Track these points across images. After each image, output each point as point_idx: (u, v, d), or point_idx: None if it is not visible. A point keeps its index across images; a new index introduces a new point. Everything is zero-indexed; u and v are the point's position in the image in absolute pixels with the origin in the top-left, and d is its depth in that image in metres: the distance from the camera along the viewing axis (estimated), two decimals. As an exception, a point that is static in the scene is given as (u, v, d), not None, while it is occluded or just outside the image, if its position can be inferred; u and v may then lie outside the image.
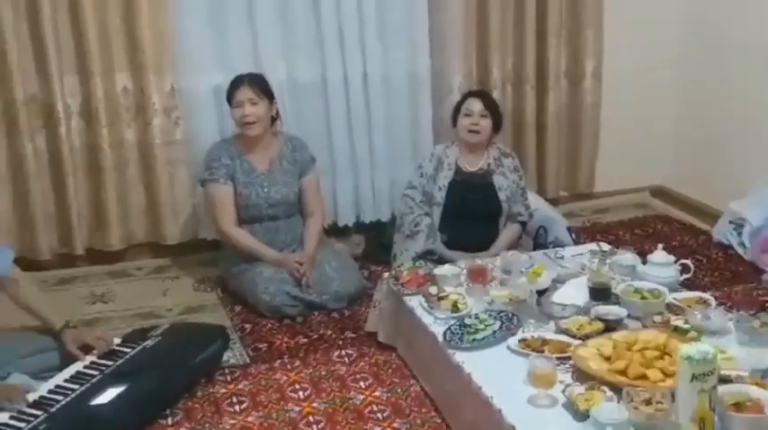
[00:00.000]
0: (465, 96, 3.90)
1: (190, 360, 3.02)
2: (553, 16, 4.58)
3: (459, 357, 2.63)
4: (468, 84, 4.43)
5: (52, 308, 3.11)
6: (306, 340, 3.39)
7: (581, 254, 3.40)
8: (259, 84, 3.75)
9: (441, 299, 3.00)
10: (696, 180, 4.80)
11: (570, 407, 2.27)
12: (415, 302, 3.05)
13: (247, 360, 3.25)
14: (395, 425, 2.76)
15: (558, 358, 2.51)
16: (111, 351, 2.98)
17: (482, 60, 4.53)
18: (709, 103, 4.66)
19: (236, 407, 2.89)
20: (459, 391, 2.60)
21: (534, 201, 4.13)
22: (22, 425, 2.53)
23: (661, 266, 3.08)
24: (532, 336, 2.69)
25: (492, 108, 3.82)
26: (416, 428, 2.73)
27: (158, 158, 4.17)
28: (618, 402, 2.19)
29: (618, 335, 2.58)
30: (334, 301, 3.63)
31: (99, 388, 2.73)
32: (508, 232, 3.82)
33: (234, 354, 3.28)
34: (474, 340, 2.71)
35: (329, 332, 3.46)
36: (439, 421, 2.76)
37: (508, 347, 2.65)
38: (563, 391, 2.34)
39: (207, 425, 2.79)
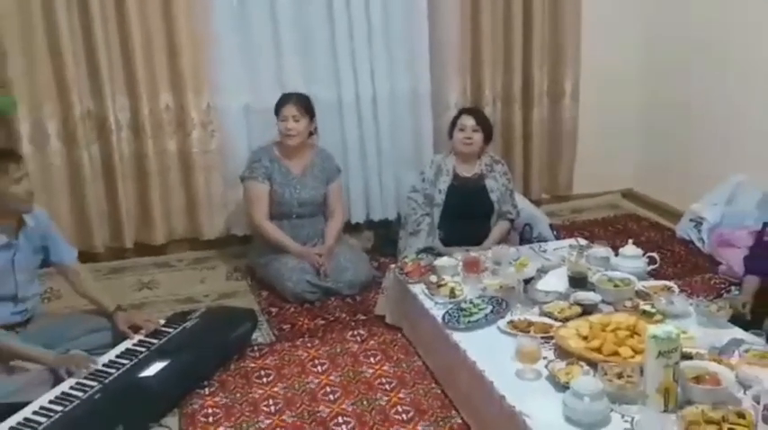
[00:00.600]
0: (460, 113, 3.88)
1: (224, 338, 3.03)
2: (537, 44, 4.58)
3: (456, 336, 2.63)
4: (463, 100, 4.42)
5: (105, 294, 3.12)
6: (323, 322, 3.39)
7: (561, 248, 3.39)
8: (304, 103, 3.76)
9: (440, 286, 2.99)
10: (661, 184, 4.78)
11: (552, 379, 2.27)
12: (417, 289, 3.05)
13: (273, 339, 3.24)
14: (400, 394, 2.75)
15: (541, 337, 2.50)
16: (156, 331, 2.99)
17: (475, 81, 4.53)
18: (669, 117, 4.64)
19: (264, 379, 2.89)
20: (456, 366, 2.60)
21: (520, 201, 4.12)
22: (80, 394, 2.54)
23: (631, 259, 3.06)
24: (519, 319, 2.68)
25: (483, 123, 3.80)
26: (419, 397, 2.73)
27: (196, 165, 4.17)
28: (594, 375, 2.19)
29: (594, 318, 2.57)
30: (347, 288, 3.63)
31: (146, 362, 2.73)
32: (499, 229, 3.80)
33: (262, 334, 3.28)
34: (469, 322, 2.70)
35: (343, 315, 3.45)
36: (438, 391, 2.75)
37: (498, 328, 2.65)
38: (546, 366, 2.34)
39: (238, 395, 2.79)
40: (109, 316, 2.99)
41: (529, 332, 2.55)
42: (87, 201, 4.03)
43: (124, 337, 2.93)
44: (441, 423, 2.57)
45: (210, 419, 2.64)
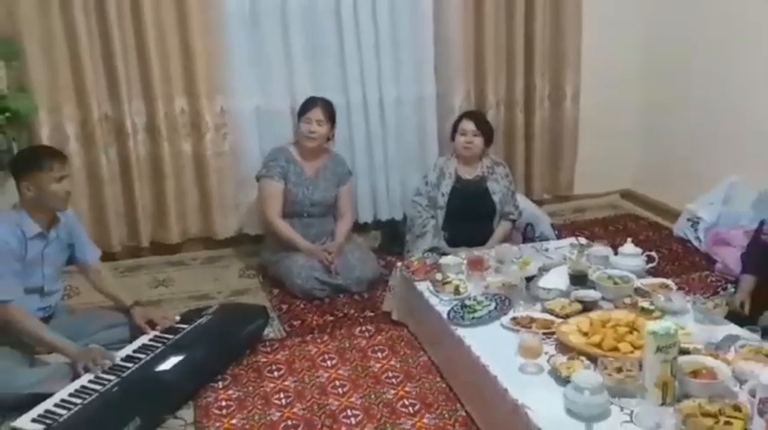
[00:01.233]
0: (460, 117, 3.87)
1: (236, 334, 3.04)
2: (538, 49, 4.57)
3: (461, 332, 2.63)
4: (467, 104, 4.42)
5: (123, 291, 3.14)
6: (332, 318, 3.39)
7: (563, 246, 3.39)
8: (329, 109, 3.77)
9: (445, 284, 3.00)
10: (659, 184, 4.77)
11: (554, 373, 2.27)
12: (423, 287, 3.05)
13: (284, 334, 3.25)
14: (407, 388, 2.75)
15: (543, 333, 2.50)
16: (171, 327, 3.00)
17: (479, 85, 4.52)
18: (667, 120, 4.64)
19: (275, 373, 2.90)
20: (461, 360, 2.60)
21: (522, 201, 4.12)
22: (98, 387, 2.56)
23: (630, 257, 3.06)
24: (522, 315, 2.68)
25: (483, 127, 3.79)
26: (425, 391, 2.73)
27: (210, 167, 4.17)
28: (594, 370, 2.19)
29: (594, 314, 2.58)
30: (355, 286, 3.63)
31: (162, 357, 2.74)
32: (501, 229, 3.80)
33: (273, 330, 3.28)
34: (473, 318, 2.71)
35: (352, 311, 3.45)
36: (443, 385, 2.76)
37: (501, 324, 2.65)
38: (548, 361, 2.34)
39: (251, 388, 2.79)
40: (126, 312, 3.01)
41: (531, 328, 2.55)
42: (105, 202, 4.05)
43: (141, 333, 2.95)
44: (446, 416, 2.57)
45: (224, 412, 2.65)
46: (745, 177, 3.99)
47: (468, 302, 2.82)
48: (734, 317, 2.63)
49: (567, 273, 2.95)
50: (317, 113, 3.71)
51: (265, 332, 3.21)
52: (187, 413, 2.64)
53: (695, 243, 4.10)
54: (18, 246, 2.71)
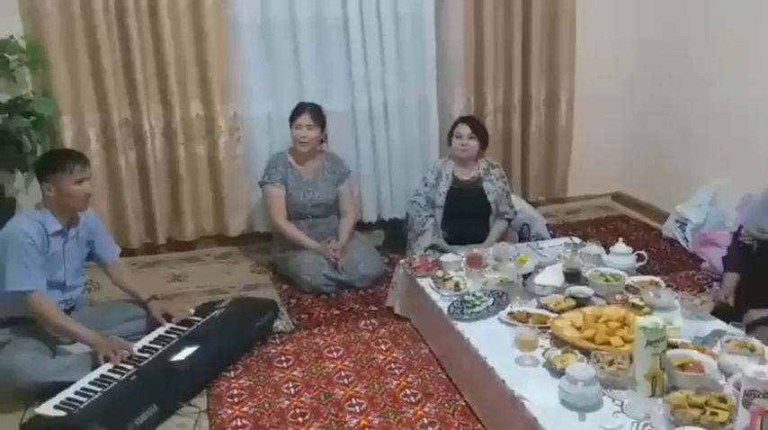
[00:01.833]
0: (456, 122, 3.87)
1: (248, 326, 3.03)
2: (535, 59, 4.57)
3: (460, 326, 2.63)
4: (467, 110, 4.41)
5: (141, 285, 3.14)
6: (338, 312, 3.39)
7: (557, 246, 3.36)
8: (317, 113, 3.76)
9: (445, 280, 2.99)
10: (648, 187, 4.75)
11: (549, 366, 2.26)
12: (425, 283, 3.04)
13: (293, 327, 3.25)
14: (409, 379, 2.75)
15: (539, 328, 2.50)
16: (186, 319, 3.00)
17: (478, 92, 4.52)
18: (656, 126, 4.62)
19: (284, 364, 2.90)
20: (460, 353, 2.59)
21: (519, 203, 4.11)
22: (117, 376, 2.56)
23: (621, 256, 3.05)
24: (518, 310, 2.67)
25: (478, 130, 3.78)
26: (426, 382, 2.73)
27: (223, 169, 4.17)
28: (587, 362, 2.19)
29: (587, 310, 2.56)
30: (360, 282, 3.62)
31: (177, 348, 2.74)
32: (497, 227, 3.79)
33: (282, 323, 3.28)
34: (472, 313, 2.70)
35: (357, 306, 3.45)
36: (444, 376, 2.75)
37: (499, 319, 2.65)
38: (543, 354, 2.34)
39: (261, 378, 2.80)
40: (144, 305, 3.01)
41: (527, 322, 2.54)
42: (124, 201, 4.05)
43: (158, 325, 2.95)
44: (446, 405, 2.56)
45: (236, 400, 2.65)
46: (731, 181, 3.97)
47: (467, 298, 2.82)
48: (720, 313, 2.61)
49: (562, 270, 2.94)
50: (305, 118, 3.71)
51: (275, 325, 3.21)
52: (201, 401, 2.64)
53: (683, 243, 4.09)
54: (40, 241, 2.71)
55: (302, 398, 2.64)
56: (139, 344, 2.79)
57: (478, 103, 4.53)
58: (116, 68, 3.88)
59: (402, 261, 3.33)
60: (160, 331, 2.91)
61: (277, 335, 3.14)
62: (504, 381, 2.22)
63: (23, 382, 2.57)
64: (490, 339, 2.49)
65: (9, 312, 2.75)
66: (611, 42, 4.67)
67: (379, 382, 2.73)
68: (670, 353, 2.12)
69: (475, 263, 3.08)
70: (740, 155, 3.93)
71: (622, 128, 4.86)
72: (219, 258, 4.21)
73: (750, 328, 2.48)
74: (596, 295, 2.77)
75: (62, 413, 2.35)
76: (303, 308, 3.45)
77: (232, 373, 2.82)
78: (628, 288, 2.81)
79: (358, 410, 2.56)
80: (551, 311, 2.64)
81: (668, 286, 2.94)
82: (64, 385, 2.51)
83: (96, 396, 2.43)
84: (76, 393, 2.46)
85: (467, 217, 3.73)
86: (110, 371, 2.59)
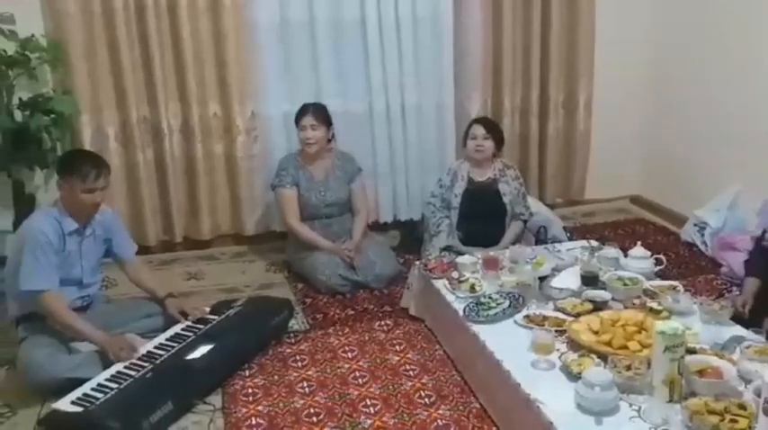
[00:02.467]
0: (471, 123, 3.86)
1: (263, 325, 3.04)
2: (554, 60, 4.54)
3: (476, 328, 2.62)
4: (484, 112, 4.39)
5: (158, 282, 3.15)
6: (353, 312, 3.39)
7: (574, 248, 3.34)
8: (321, 113, 3.76)
9: (461, 282, 2.98)
10: (667, 191, 4.71)
11: (565, 370, 2.25)
12: (440, 284, 3.04)
13: (308, 327, 3.25)
14: (423, 380, 2.74)
15: (555, 331, 2.49)
16: (202, 317, 3.01)
17: (496, 94, 4.50)
18: (675, 129, 4.58)
19: (299, 364, 2.90)
20: (475, 355, 2.58)
21: (536, 205, 4.09)
22: (133, 373, 2.58)
23: (639, 259, 3.03)
24: (535, 313, 2.66)
25: (493, 131, 3.77)
26: (440, 383, 2.72)
27: (240, 167, 4.19)
28: (604, 367, 2.17)
29: (604, 314, 2.55)
30: (375, 282, 3.62)
31: (193, 346, 2.76)
32: (513, 229, 3.77)
33: (297, 322, 3.28)
34: (488, 315, 2.69)
35: (372, 306, 3.45)
36: (458, 378, 2.74)
37: (515, 321, 2.64)
38: (559, 358, 2.33)
39: (276, 377, 2.80)
40: (160, 302, 3.03)
41: (543, 326, 2.54)
42: (142, 199, 4.07)
43: (174, 322, 2.96)
44: (460, 407, 2.55)
45: (250, 398, 2.65)
46: (750, 185, 3.92)
47: (483, 300, 2.81)
48: (739, 318, 2.59)
49: (579, 273, 2.92)
50: (309, 119, 3.71)
51: (290, 324, 3.21)
52: (216, 399, 2.65)
53: (702, 247, 4.05)
54: (57, 239, 2.73)
55: (316, 398, 2.65)
56: (155, 342, 2.80)
57: (496, 104, 4.51)
58: (135, 67, 3.91)
59: (417, 262, 3.33)
60: (176, 329, 2.92)
61: (292, 335, 3.14)
62: (519, 385, 2.20)
63: (40, 378, 2.60)
64: (506, 342, 2.48)
65: (26, 309, 2.78)
66: (629, 46, 4.64)
67: (393, 383, 2.73)
68: (688, 358, 2.10)
69: (491, 265, 3.06)
70: (759, 159, 3.87)
71: (641, 131, 4.83)
72: (235, 257, 4.22)
73: (771, 334, 2.45)
74: (614, 299, 2.75)
75: (79, 409, 2.38)
76: (318, 307, 3.45)
77: (247, 372, 2.83)
78: (646, 292, 2.79)
79: (372, 411, 2.55)
80: (568, 315, 2.63)
81: (687, 290, 2.90)
82: (78, 381, 2.53)
83: (112, 392, 2.45)
84: (93, 389, 2.48)
85: (482, 218, 3.72)
86: (126, 367, 2.61)
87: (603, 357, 2.24)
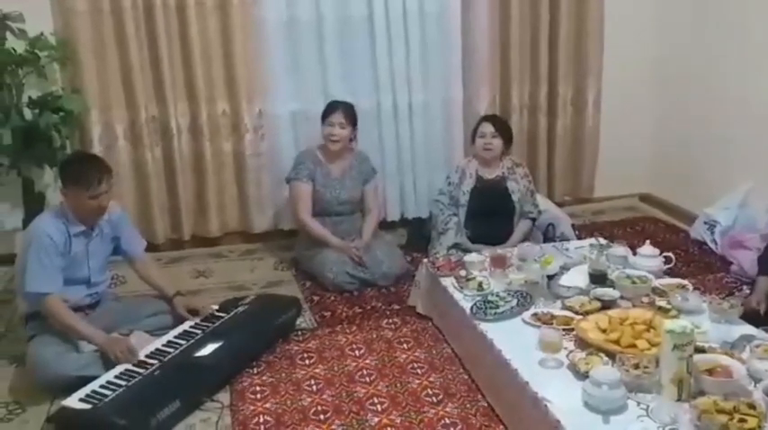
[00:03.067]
0: (480, 121, 3.85)
1: (271, 323, 3.04)
2: (562, 57, 4.52)
3: (484, 327, 2.61)
4: (493, 109, 4.37)
5: (166, 281, 3.16)
6: (361, 310, 3.39)
7: (583, 246, 3.33)
8: (350, 112, 3.77)
9: (469, 280, 2.98)
10: (676, 189, 4.68)
11: (573, 368, 2.24)
12: (448, 282, 3.03)
13: (315, 325, 3.25)
14: (431, 378, 2.74)
15: (563, 329, 2.48)
16: (210, 315, 3.02)
17: (504, 91, 4.49)
18: (685, 127, 4.55)
19: (306, 361, 2.90)
20: (483, 353, 2.58)
21: (544, 203, 4.08)
22: (141, 370, 2.59)
23: (648, 258, 3.02)
24: (543, 312, 2.65)
25: (502, 129, 3.76)
26: (448, 382, 2.71)
27: (248, 165, 4.19)
28: (612, 365, 2.16)
29: (612, 312, 2.54)
30: (383, 280, 3.62)
31: (201, 343, 2.77)
32: (522, 227, 3.76)
33: (305, 320, 3.28)
34: (495, 313, 2.69)
35: (379, 304, 3.45)
36: (466, 377, 2.74)
37: (523, 320, 2.63)
38: (567, 356, 2.32)
39: (283, 375, 2.80)
40: (169, 300, 3.04)
41: (551, 324, 2.53)
42: (150, 197, 4.09)
43: (182, 320, 2.97)
44: (467, 406, 2.55)
45: (258, 396, 2.66)
46: (761, 183, 3.90)
47: (490, 298, 2.80)
48: (749, 317, 2.57)
49: (587, 272, 2.91)
50: (338, 117, 3.71)
51: (298, 322, 3.22)
52: (224, 396, 2.65)
53: (711, 245, 4.02)
54: (62, 242, 2.74)
55: (324, 396, 2.65)
56: (164, 339, 2.81)
57: (504, 101, 4.50)
58: (144, 65, 3.92)
59: (425, 260, 3.33)
60: (184, 327, 2.93)
61: (300, 333, 3.14)
62: (527, 383, 2.20)
63: (48, 376, 2.62)
64: (514, 340, 2.47)
65: (33, 307, 2.79)
66: (638, 42, 4.61)
67: (400, 381, 2.73)
68: (697, 357, 2.09)
69: (499, 263, 3.06)
70: (771, 157, 3.86)
71: (650, 129, 4.80)
72: (243, 255, 4.23)
73: (781, 333, 2.43)
74: (622, 297, 2.74)
75: (87, 406, 2.39)
76: (326, 305, 3.46)
77: (255, 370, 2.84)
78: (654, 290, 2.78)
79: (379, 409, 2.55)
80: (576, 313, 2.62)
81: (696, 289, 2.89)
82: (86, 379, 2.54)
83: (120, 390, 2.46)
84: (102, 386, 2.49)
85: (490, 216, 3.71)
86: (134, 365, 2.62)
87: (611, 356, 2.24)
